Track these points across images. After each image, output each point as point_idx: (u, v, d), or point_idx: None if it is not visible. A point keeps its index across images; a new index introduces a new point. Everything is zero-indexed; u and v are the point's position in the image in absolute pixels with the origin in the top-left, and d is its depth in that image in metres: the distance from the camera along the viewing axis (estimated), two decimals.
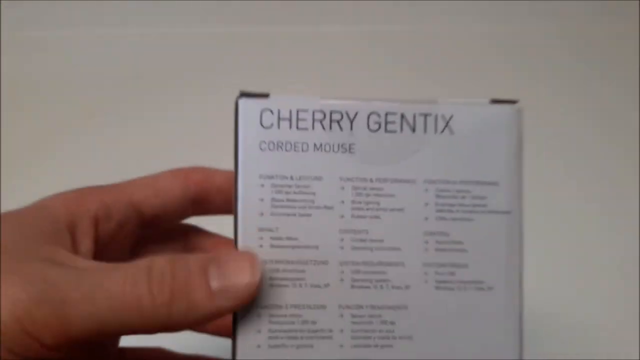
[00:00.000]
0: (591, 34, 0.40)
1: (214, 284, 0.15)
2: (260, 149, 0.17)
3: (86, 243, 0.17)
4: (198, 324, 0.16)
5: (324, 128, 0.17)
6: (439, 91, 0.36)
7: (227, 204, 0.20)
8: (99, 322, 0.14)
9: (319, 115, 0.17)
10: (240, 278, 0.15)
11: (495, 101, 0.17)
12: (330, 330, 0.16)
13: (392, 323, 0.16)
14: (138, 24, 0.40)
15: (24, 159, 0.35)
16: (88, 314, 0.14)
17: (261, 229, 0.16)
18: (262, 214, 0.16)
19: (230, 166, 0.17)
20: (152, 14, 0.41)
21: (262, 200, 0.16)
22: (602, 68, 0.39)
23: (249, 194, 0.16)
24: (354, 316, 0.16)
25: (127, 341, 0.23)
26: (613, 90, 0.38)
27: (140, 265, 0.15)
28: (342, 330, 0.16)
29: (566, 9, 0.40)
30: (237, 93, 0.17)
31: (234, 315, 0.16)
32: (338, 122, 0.17)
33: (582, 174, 0.36)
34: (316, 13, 0.41)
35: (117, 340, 0.22)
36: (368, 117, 0.17)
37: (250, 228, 0.16)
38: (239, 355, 0.16)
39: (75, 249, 0.17)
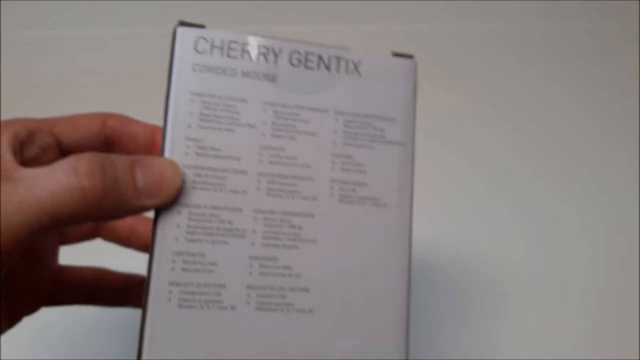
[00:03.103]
0: (592, 33, 0.41)
1: (140, 183, 0.17)
2: (193, 69, 0.19)
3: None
4: (123, 217, 0.17)
5: (251, 59, 0.19)
6: (440, 90, 0.37)
7: (137, 150, 0.22)
8: (39, 220, 0.16)
9: (248, 48, 0.19)
10: (163, 180, 0.17)
11: (396, 54, 0.21)
12: (244, 230, 0.18)
13: (299, 227, 0.19)
14: (138, 24, 0.40)
15: None
16: (28, 216, 0.16)
17: (188, 139, 0.18)
18: (189, 126, 0.18)
19: None
20: (151, 14, 0.40)
21: (191, 113, 0.18)
22: (604, 66, 0.40)
23: (180, 108, 0.18)
24: (266, 219, 0.18)
25: (68, 260, 0.23)
26: (614, 89, 0.39)
27: (64, 165, 0.17)
28: (254, 231, 0.18)
29: (567, 8, 0.42)
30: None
31: (156, 212, 0.18)
32: (264, 55, 0.19)
33: (584, 172, 0.36)
34: (316, 13, 0.41)
35: (55, 257, 0.23)
36: (291, 54, 0.20)
37: (179, 136, 0.18)
38: (157, 244, 0.17)
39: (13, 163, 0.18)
